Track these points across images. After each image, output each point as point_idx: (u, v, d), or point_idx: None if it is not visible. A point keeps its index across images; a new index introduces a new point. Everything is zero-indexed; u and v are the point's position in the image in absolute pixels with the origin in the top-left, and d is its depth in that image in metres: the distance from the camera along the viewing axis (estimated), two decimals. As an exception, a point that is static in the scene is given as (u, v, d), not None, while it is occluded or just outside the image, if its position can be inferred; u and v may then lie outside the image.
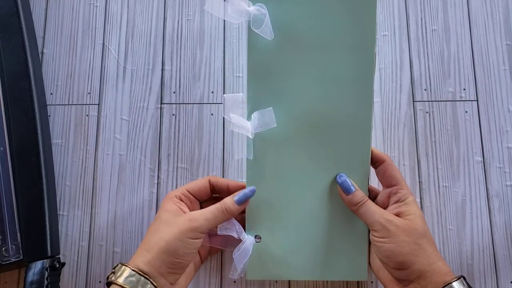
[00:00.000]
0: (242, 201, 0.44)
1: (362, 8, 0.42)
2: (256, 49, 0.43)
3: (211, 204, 0.44)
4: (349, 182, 0.44)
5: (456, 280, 0.39)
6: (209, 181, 0.47)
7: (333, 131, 0.44)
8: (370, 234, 0.43)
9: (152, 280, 0.39)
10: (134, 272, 0.39)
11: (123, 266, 0.40)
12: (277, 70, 0.44)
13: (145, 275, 0.39)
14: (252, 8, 0.42)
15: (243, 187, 0.46)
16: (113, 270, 0.41)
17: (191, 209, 0.45)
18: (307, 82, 0.44)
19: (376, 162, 0.46)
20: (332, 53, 0.43)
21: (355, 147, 0.45)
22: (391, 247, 0.40)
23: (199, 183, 0.46)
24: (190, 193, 0.46)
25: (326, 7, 0.42)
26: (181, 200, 0.45)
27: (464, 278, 0.40)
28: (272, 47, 0.43)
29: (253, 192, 0.45)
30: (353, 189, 0.44)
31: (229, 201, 0.44)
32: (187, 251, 0.41)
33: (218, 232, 0.45)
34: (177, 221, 0.42)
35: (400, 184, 0.44)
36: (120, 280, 0.39)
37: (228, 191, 0.47)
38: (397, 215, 0.42)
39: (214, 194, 0.48)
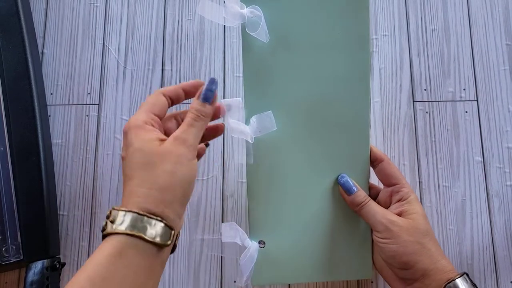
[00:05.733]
0: (210, 98, 0.39)
1: (355, 8, 0.43)
2: (251, 51, 0.43)
3: (168, 120, 0.41)
4: (351, 182, 0.44)
5: (459, 276, 0.39)
6: (164, 95, 0.40)
7: (332, 131, 0.45)
8: (373, 235, 0.43)
9: (166, 221, 0.34)
10: (141, 216, 0.33)
11: (123, 212, 0.33)
12: (274, 72, 0.44)
13: (157, 217, 0.33)
14: (245, 11, 0.41)
15: (199, 84, 0.40)
16: (110, 219, 0.33)
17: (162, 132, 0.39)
18: (304, 83, 0.44)
19: (374, 161, 0.45)
20: (327, 53, 0.44)
21: (355, 146, 0.45)
22: (395, 248, 0.40)
23: (158, 101, 0.39)
24: (156, 115, 0.38)
25: (320, 8, 0.43)
26: (152, 126, 0.37)
27: (467, 275, 0.40)
28: (267, 49, 0.43)
29: (214, 83, 0.39)
30: (355, 190, 0.44)
31: (197, 104, 0.38)
32: (194, 174, 0.36)
33: (223, 241, 0.44)
34: (170, 150, 0.35)
35: (401, 182, 0.44)
36: (123, 227, 0.32)
37: (186, 94, 0.41)
38: (399, 214, 0.42)
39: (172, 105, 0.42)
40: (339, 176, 0.45)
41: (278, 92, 0.44)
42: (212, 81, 0.39)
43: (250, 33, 0.41)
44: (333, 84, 0.44)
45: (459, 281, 0.39)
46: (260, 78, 0.44)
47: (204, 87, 0.39)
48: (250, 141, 0.43)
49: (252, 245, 0.44)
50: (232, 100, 0.42)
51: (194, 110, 0.38)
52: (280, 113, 0.44)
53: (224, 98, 0.54)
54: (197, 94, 0.39)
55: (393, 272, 0.42)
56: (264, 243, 0.45)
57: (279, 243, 0.46)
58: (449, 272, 0.40)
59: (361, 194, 0.43)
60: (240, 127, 0.42)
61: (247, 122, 0.44)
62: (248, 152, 0.45)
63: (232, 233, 0.44)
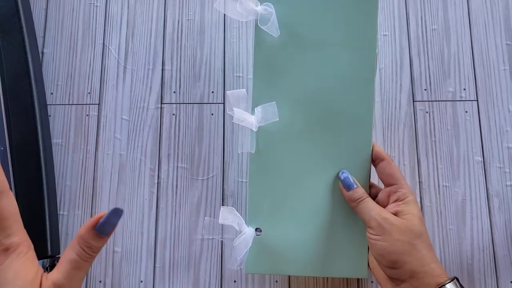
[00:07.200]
0: (108, 231, 0.31)
1: (364, 7, 0.45)
2: (262, 46, 0.46)
3: None
4: (351, 179, 0.45)
5: (449, 282, 0.39)
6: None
7: (336, 127, 0.46)
8: (366, 231, 0.44)
9: None
10: None
11: None
12: (282, 67, 0.46)
13: None
14: (259, 8, 0.45)
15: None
16: None
17: None
18: (310, 78, 0.46)
19: (375, 160, 0.46)
20: (335, 51, 0.45)
21: (357, 143, 0.46)
22: (385, 245, 0.40)
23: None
24: None
25: (329, 7, 0.45)
26: None
27: (457, 280, 0.40)
28: (277, 44, 0.46)
29: (119, 215, 0.30)
30: (354, 186, 0.44)
31: (91, 238, 0.31)
32: None
33: (220, 222, 0.45)
34: None
35: (399, 183, 0.44)
36: None
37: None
38: (395, 214, 0.42)
39: None
40: (340, 172, 0.45)
41: (285, 85, 0.46)
42: (115, 212, 0.30)
43: (262, 27, 0.44)
44: (339, 81, 0.45)
45: (449, 286, 0.38)
46: (268, 71, 0.46)
47: (105, 217, 0.30)
48: (254, 130, 0.45)
49: (248, 230, 0.45)
50: (237, 91, 0.45)
51: (85, 244, 0.31)
52: (285, 106, 0.46)
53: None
54: (92, 222, 0.30)
55: (382, 270, 0.42)
56: (261, 230, 0.46)
57: (275, 233, 0.46)
58: (439, 276, 0.39)
59: (359, 191, 0.44)
60: (244, 115, 0.45)
61: (252, 112, 0.46)
62: (251, 141, 0.46)
63: (230, 217, 0.45)
